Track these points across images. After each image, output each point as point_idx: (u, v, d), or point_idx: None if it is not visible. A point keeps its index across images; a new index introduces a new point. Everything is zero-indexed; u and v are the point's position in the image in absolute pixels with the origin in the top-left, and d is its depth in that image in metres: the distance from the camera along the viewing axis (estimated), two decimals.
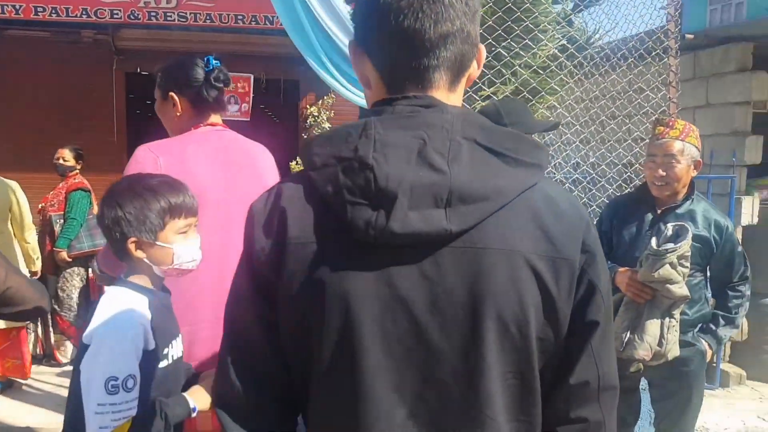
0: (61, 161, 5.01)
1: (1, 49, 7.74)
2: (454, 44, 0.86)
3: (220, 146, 1.90)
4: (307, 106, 9.94)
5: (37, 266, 4.65)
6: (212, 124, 1.93)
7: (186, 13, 8.30)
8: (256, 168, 1.96)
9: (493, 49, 3.06)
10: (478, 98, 3.09)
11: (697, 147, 2.57)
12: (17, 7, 7.59)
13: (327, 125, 9.89)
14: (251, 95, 9.03)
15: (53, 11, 7.78)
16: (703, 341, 2.58)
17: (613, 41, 4.16)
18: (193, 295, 1.77)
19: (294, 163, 9.19)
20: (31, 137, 7.51)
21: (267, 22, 8.56)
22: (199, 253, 1.58)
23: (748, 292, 2.65)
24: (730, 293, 2.62)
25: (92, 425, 1.34)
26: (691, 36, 4.90)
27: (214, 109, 1.94)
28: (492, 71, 3.06)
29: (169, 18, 8.26)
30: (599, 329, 0.87)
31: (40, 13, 7.78)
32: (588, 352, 0.87)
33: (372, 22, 0.87)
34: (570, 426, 0.88)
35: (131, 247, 1.48)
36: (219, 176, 1.84)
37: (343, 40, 2.60)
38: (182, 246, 1.53)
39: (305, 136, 9.80)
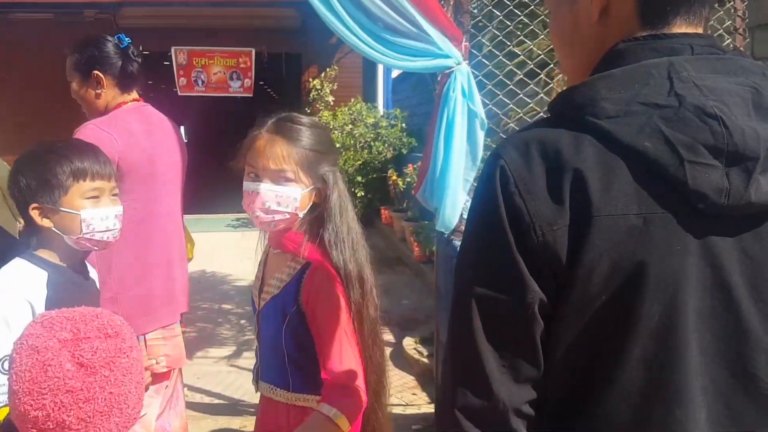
0: None
1: (7, 33, 7.70)
2: None
3: (152, 120, 2.04)
4: (310, 80, 9.60)
5: None
6: (137, 99, 2.03)
7: None
8: (178, 139, 2.14)
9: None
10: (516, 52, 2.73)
11: None
12: None
13: (330, 98, 9.56)
14: (253, 70, 8.70)
15: None
16: None
17: None
18: (145, 258, 1.96)
19: None
20: (39, 120, 7.43)
21: None
22: (117, 224, 1.44)
23: None
24: None
25: None
26: None
27: (138, 83, 2.03)
28: (536, 21, 2.69)
29: None
30: None
31: None
32: None
33: None
34: None
35: (34, 214, 1.35)
36: (158, 148, 1.99)
37: None
38: (91, 212, 1.38)
39: (308, 111, 9.48)
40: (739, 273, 0.69)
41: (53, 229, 1.37)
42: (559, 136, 0.71)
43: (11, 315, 1.27)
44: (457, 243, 2.54)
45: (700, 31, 0.75)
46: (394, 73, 10.21)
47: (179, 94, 8.42)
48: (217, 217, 8.98)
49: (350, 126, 8.60)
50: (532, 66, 2.42)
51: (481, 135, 2.37)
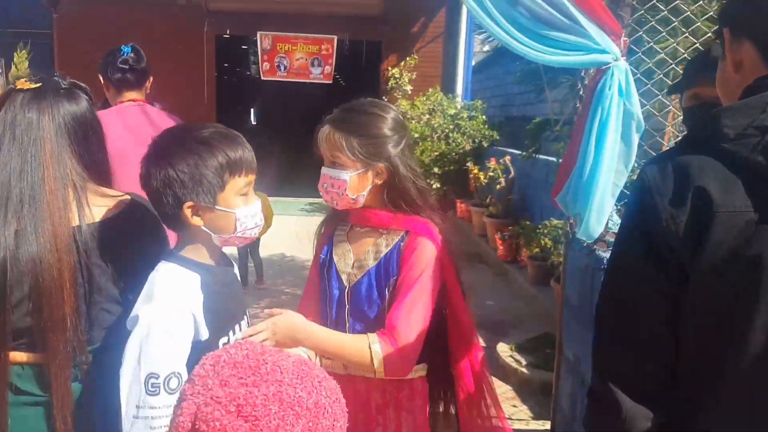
0: None
1: (104, 18, 7.98)
2: None
3: (136, 117, 2.39)
4: (389, 68, 9.51)
5: None
6: (133, 100, 2.45)
7: None
8: None
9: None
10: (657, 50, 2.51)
11: None
12: None
13: (408, 88, 9.43)
14: (334, 57, 8.66)
15: None
16: None
17: None
18: None
19: None
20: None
21: None
22: (261, 218, 1.35)
23: None
24: None
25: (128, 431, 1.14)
26: None
27: (127, 88, 2.45)
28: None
29: None
30: None
31: None
32: None
33: (758, 3, 0.94)
34: None
35: (187, 213, 1.24)
36: (130, 141, 2.10)
37: None
38: (245, 210, 1.29)
39: (386, 99, 9.39)
40: None
41: (203, 228, 1.26)
42: (688, 157, 0.90)
43: (176, 329, 1.19)
44: (602, 254, 2.36)
45: None
46: (474, 63, 9.96)
47: (262, 78, 8.48)
48: (290, 200, 9.05)
49: (428, 116, 8.44)
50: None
51: (636, 138, 2.18)
